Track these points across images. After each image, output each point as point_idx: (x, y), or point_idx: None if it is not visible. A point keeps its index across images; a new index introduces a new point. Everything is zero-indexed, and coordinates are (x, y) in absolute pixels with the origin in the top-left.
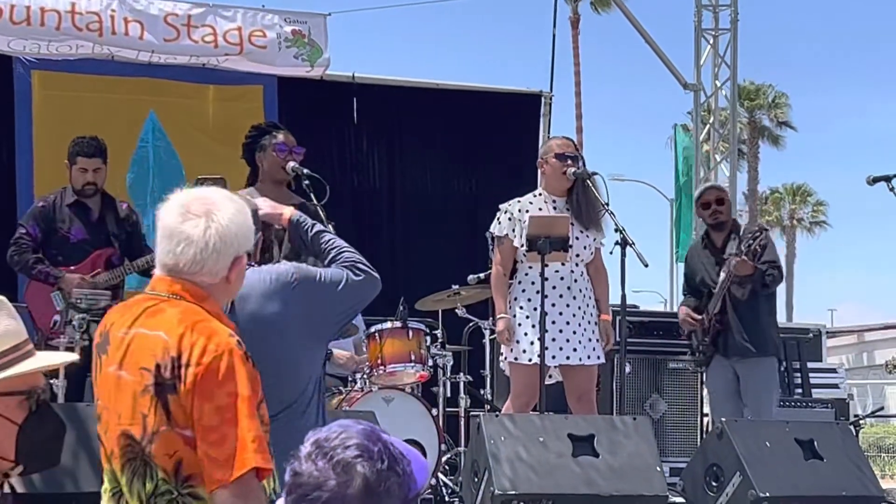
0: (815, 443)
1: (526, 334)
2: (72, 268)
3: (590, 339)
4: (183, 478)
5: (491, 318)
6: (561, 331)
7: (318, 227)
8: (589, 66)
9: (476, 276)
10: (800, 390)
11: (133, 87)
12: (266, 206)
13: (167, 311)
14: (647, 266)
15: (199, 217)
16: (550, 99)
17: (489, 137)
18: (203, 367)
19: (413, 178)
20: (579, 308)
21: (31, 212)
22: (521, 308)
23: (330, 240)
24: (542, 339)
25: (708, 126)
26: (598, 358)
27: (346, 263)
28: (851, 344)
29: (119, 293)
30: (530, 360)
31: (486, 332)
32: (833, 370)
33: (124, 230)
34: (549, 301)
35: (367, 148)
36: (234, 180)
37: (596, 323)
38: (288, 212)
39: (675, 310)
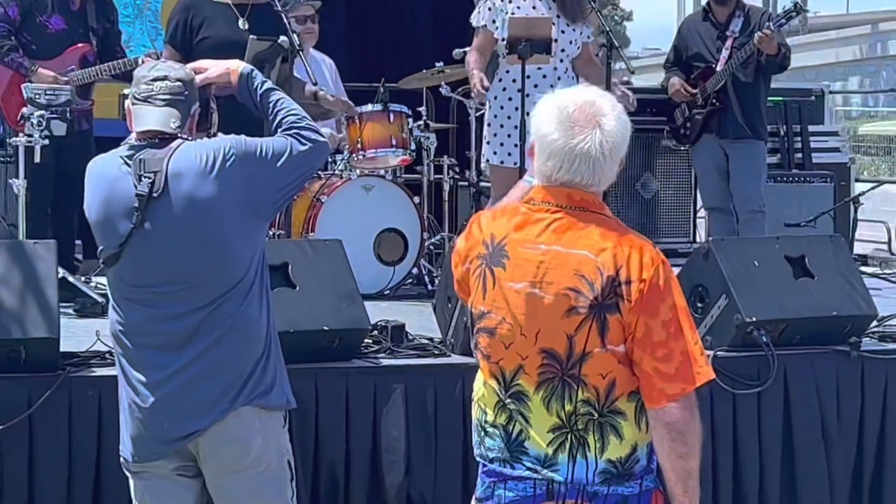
0: (807, 259)
1: (509, 136)
2: (50, 62)
3: None
4: (613, 397)
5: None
6: None
7: (268, 84)
8: None
9: (462, 50)
10: (800, 155)
11: None
12: (209, 67)
13: (583, 227)
14: (633, 73)
15: (591, 129)
16: None
17: None
18: (646, 282)
19: None
20: None
21: None
22: (502, 108)
23: (279, 100)
24: (521, 143)
25: None
26: None
27: (291, 131)
28: (864, 34)
29: (89, 93)
30: (515, 163)
31: (472, 111)
32: (835, 133)
33: (103, 26)
34: (530, 100)
35: None
36: None
37: None
38: (235, 65)
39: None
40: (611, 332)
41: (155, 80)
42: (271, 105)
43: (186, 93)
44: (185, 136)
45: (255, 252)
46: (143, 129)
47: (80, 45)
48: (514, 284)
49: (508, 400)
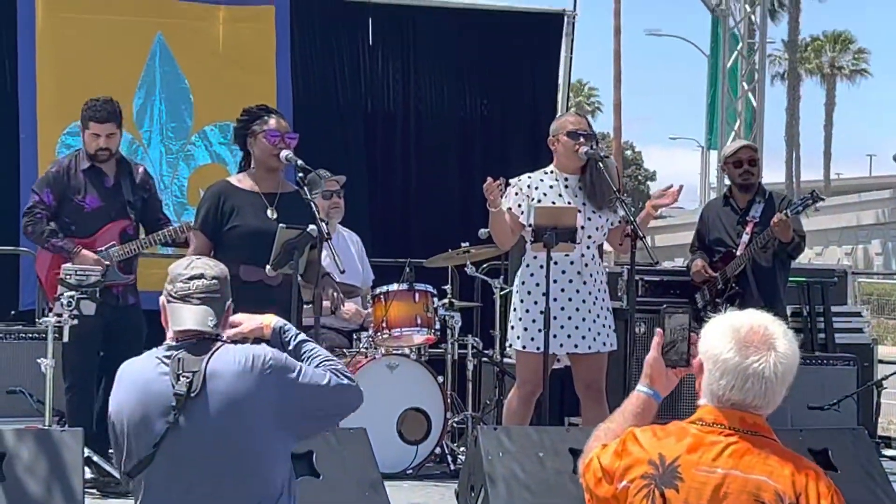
0: (830, 452)
1: (534, 321)
2: (89, 240)
3: (603, 326)
4: None
5: (501, 279)
6: (570, 318)
7: (301, 336)
8: None
9: (487, 230)
10: (822, 335)
11: (140, 7)
12: (243, 321)
13: (759, 452)
14: (656, 263)
15: (765, 350)
16: (574, 18)
17: (509, 59)
18: None
19: (428, 102)
20: (590, 293)
21: (44, 178)
22: (529, 293)
23: (312, 349)
24: (546, 329)
25: None
26: (608, 345)
27: (329, 368)
28: (887, 199)
29: (132, 267)
30: (538, 348)
31: (496, 290)
32: (857, 314)
33: (140, 197)
34: (557, 286)
35: (382, 70)
36: (241, 102)
37: (608, 308)
38: (268, 320)
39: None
40: None
41: (191, 278)
42: (305, 355)
43: (221, 290)
44: (223, 338)
45: (286, 468)
46: (181, 329)
47: (119, 221)
48: None
49: None
